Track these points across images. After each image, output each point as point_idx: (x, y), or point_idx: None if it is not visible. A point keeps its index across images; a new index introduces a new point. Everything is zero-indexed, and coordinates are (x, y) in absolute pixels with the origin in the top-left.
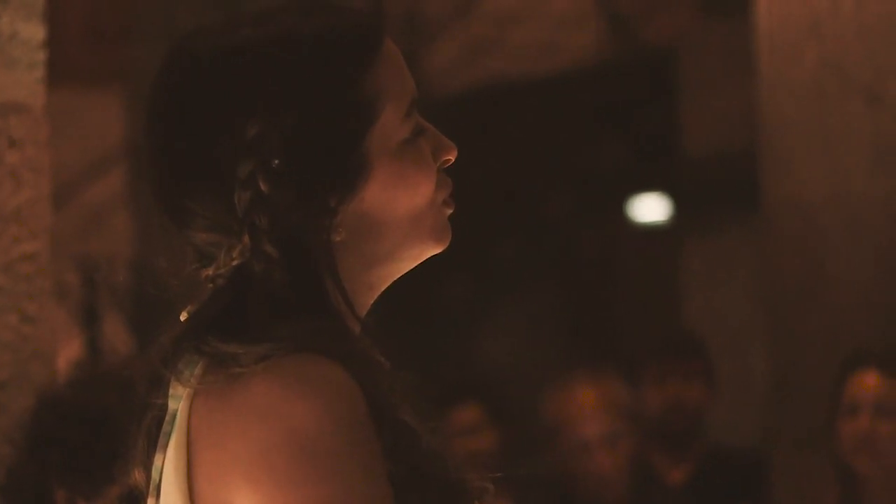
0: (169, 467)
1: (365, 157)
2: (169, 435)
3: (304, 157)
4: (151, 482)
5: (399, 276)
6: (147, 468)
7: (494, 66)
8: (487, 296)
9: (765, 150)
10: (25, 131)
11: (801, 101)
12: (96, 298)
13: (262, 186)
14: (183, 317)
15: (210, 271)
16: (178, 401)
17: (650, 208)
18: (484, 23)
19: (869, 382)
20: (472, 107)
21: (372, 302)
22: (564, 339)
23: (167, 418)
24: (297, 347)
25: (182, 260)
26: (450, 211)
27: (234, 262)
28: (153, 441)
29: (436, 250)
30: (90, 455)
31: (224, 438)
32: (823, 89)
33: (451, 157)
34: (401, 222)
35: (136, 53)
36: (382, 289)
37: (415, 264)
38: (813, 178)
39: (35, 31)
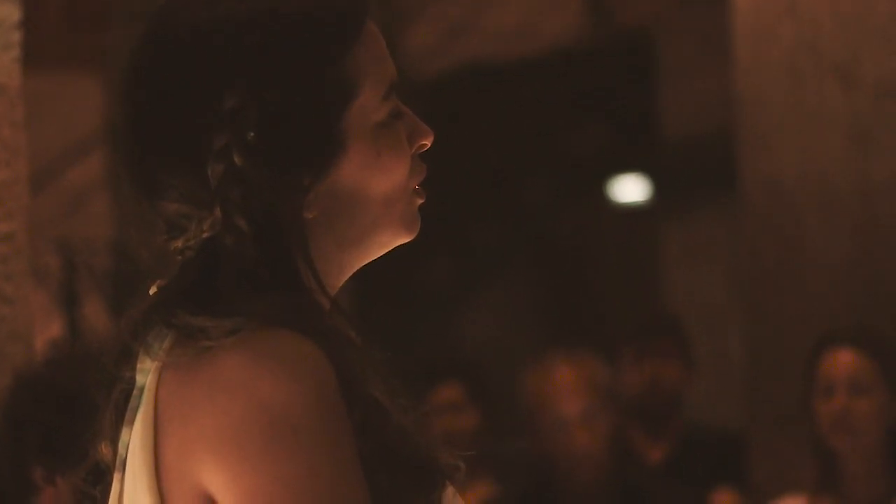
0: (135, 441)
1: (341, 136)
2: (136, 409)
3: (279, 132)
4: (118, 457)
5: (369, 260)
6: (114, 443)
7: (472, 49)
8: (468, 277)
9: (740, 131)
10: (1, 112)
11: (776, 83)
12: (76, 281)
13: (237, 159)
14: (153, 290)
15: (179, 243)
16: (146, 375)
17: (628, 190)
18: (461, 5)
19: (843, 360)
20: (449, 90)
21: (341, 283)
22: (544, 319)
23: (135, 392)
24: (268, 322)
25: (152, 232)
26: (420, 201)
27: (205, 235)
28: (121, 415)
29: (404, 239)
30: (67, 434)
31: (192, 413)
32: (799, 70)
33: (427, 142)
34: (373, 205)
35: (115, 36)
36: (352, 271)
37: (384, 251)
38: (788, 158)
39: (10, 12)
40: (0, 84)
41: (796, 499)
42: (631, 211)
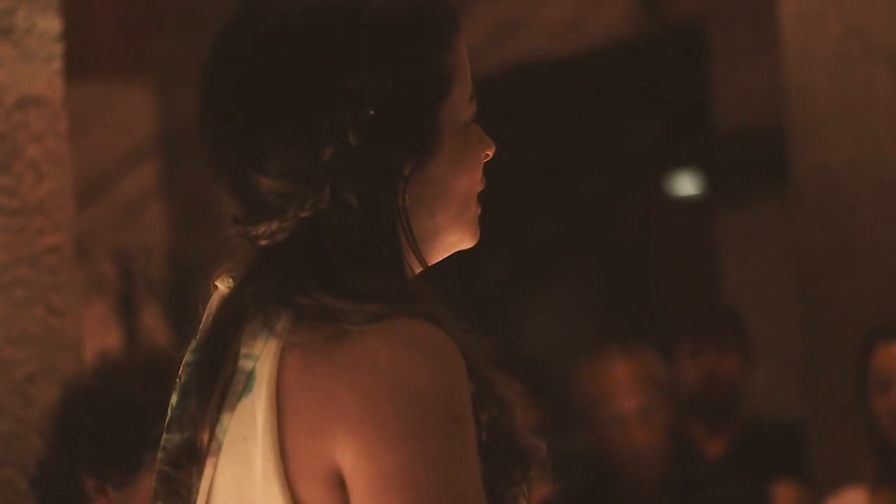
0: (245, 425)
1: (439, 128)
2: (240, 394)
3: (393, 116)
4: (214, 442)
5: (434, 261)
6: (212, 428)
7: (523, 46)
8: (524, 274)
9: (791, 120)
10: (45, 124)
11: (825, 70)
12: (133, 290)
13: (351, 138)
14: (222, 280)
15: (273, 225)
16: (254, 360)
17: (683, 183)
18: (512, 2)
19: None
20: (502, 87)
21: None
22: (600, 314)
23: (238, 377)
24: (406, 309)
25: (222, 218)
26: (478, 211)
27: (304, 214)
28: (221, 401)
29: (469, 244)
30: (119, 444)
31: (330, 393)
32: (848, 57)
33: (491, 153)
34: (453, 202)
35: (166, 44)
36: (422, 269)
37: (449, 253)
38: (840, 145)
39: (51, 24)
40: (43, 96)
41: (857, 491)
42: (686, 203)
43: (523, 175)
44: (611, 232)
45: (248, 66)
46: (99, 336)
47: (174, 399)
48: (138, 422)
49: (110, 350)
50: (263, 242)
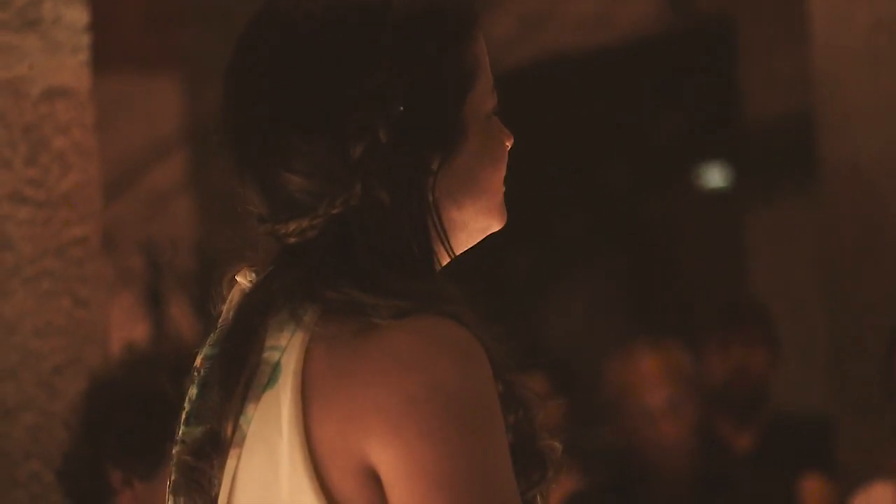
0: (267, 416)
1: (464, 122)
2: (265, 386)
3: (421, 111)
4: (238, 432)
5: (464, 249)
6: (236, 419)
7: (550, 39)
8: (551, 267)
9: (819, 114)
10: (71, 116)
11: (854, 64)
12: (161, 282)
13: (381, 135)
14: (243, 276)
15: (304, 223)
16: (280, 351)
17: (710, 177)
18: None
19: None
20: (529, 80)
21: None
22: (628, 308)
23: (263, 368)
24: (434, 307)
25: (247, 217)
26: (503, 192)
27: (335, 211)
28: (246, 392)
29: (498, 226)
30: (145, 436)
31: (360, 386)
32: (877, 51)
33: (509, 144)
34: (481, 192)
35: (193, 36)
36: (450, 259)
37: (477, 240)
38: (869, 140)
39: (78, 15)
40: (69, 87)
41: (885, 485)
42: (714, 197)
43: (550, 169)
44: (638, 226)
45: (273, 65)
46: (126, 329)
47: (192, 392)
48: (164, 414)
49: (136, 342)
50: (292, 240)
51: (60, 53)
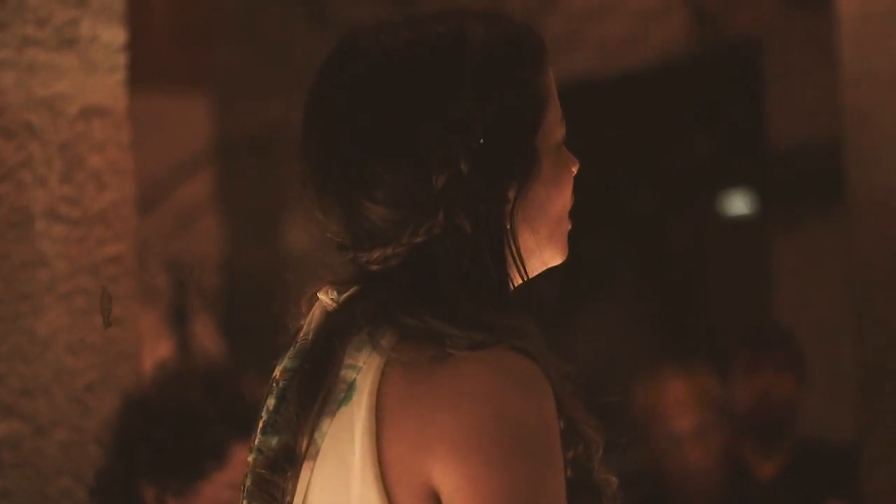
0: (344, 432)
1: (538, 151)
2: (341, 402)
3: (500, 142)
4: (313, 446)
5: (525, 280)
6: (312, 433)
7: (577, 63)
8: (577, 291)
9: (848, 142)
10: (108, 134)
11: (884, 92)
12: (186, 301)
13: (463, 166)
14: (325, 294)
15: (388, 251)
16: (357, 371)
17: (737, 201)
18: (566, 18)
19: None
20: None
21: None
22: (654, 332)
23: (340, 386)
24: (506, 341)
25: (323, 244)
26: (569, 227)
27: (418, 240)
28: (322, 408)
29: (560, 259)
30: (177, 453)
31: (431, 411)
32: None
33: (576, 170)
34: (552, 220)
35: (222, 55)
36: (514, 286)
37: (543, 269)
38: None
39: (115, 35)
40: (106, 106)
41: None
42: (740, 222)
43: (577, 192)
44: (665, 250)
45: (356, 97)
46: (151, 346)
47: (271, 403)
48: (196, 431)
49: (167, 360)
50: (375, 268)
51: (97, 72)
